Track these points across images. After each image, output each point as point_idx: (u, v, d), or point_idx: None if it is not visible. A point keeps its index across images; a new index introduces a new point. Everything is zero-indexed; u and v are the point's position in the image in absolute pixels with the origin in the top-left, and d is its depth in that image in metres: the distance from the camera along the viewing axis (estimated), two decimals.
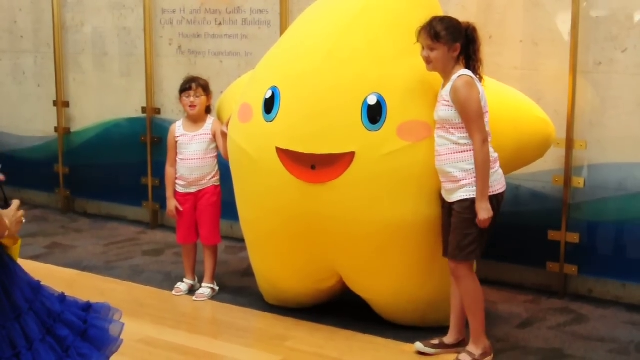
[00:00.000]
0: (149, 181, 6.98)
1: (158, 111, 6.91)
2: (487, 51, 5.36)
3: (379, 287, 4.53)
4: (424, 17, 4.12)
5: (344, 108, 4.23)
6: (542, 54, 5.23)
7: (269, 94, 4.43)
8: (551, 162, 5.16)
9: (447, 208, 4.19)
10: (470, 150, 4.06)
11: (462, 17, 5.37)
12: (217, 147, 5.21)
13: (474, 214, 4.04)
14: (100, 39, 7.26)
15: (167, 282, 5.52)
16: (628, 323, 4.87)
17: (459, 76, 4.04)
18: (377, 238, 4.31)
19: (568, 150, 5.14)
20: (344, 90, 4.24)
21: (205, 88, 5.24)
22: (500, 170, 4.17)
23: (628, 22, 4.97)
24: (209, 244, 5.30)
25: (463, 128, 4.05)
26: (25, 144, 7.86)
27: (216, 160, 5.26)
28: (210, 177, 5.22)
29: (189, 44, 6.71)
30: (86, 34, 7.34)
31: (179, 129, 5.26)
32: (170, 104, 6.73)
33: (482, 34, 5.33)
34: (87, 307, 2.94)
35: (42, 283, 2.89)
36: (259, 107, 4.46)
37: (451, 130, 4.07)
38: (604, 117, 5.09)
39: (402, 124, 4.21)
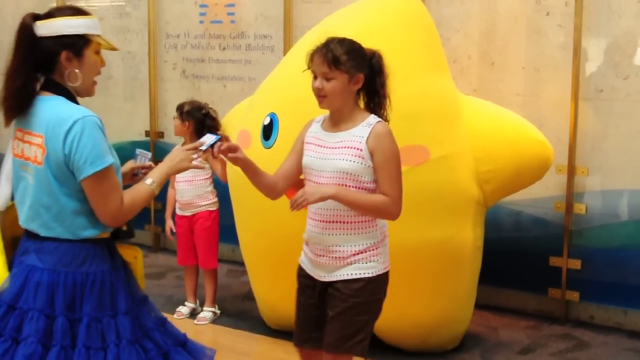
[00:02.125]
0: (151, 204, 6.99)
1: (161, 135, 6.94)
2: (489, 78, 5.42)
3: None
4: (421, 42, 4.04)
5: None
6: (544, 81, 5.25)
7: (267, 121, 4.44)
8: (553, 188, 5.17)
9: (313, 288, 3.22)
10: (372, 220, 3.14)
11: (464, 44, 5.44)
12: (210, 170, 5.23)
13: (368, 296, 3.12)
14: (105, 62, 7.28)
15: (169, 305, 5.51)
16: (630, 350, 4.85)
17: (378, 122, 3.18)
18: None
19: (570, 177, 5.15)
20: None
21: (188, 113, 5.23)
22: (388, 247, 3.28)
23: (630, 50, 4.99)
24: (206, 268, 5.31)
25: (369, 189, 3.09)
26: None
27: (209, 183, 5.26)
28: (203, 201, 5.23)
29: (193, 69, 6.74)
30: None
31: None
32: (173, 127, 6.73)
33: (485, 61, 5.39)
34: (183, 342, 2.96)
35: (149, 299, 2.98)
36: (258, 133, 4.47)
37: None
38: (606, 143, 5.10)
39: (400, 148, 4.18)
